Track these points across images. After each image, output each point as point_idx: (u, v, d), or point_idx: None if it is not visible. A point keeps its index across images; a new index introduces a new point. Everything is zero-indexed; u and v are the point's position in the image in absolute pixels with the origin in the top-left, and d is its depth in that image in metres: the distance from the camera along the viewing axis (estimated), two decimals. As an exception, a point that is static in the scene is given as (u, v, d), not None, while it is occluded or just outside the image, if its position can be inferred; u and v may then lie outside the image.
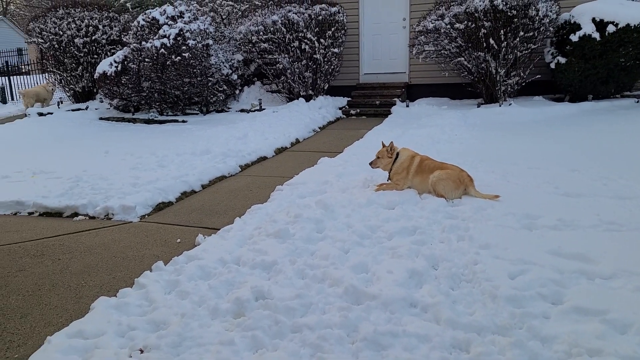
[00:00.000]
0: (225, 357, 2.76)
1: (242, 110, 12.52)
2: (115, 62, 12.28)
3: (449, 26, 10.86)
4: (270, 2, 13.26)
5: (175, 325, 3.03)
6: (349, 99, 12.90)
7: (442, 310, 3.08)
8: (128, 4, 20.39)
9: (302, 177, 6.46)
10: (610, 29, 10.02)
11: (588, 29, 10.23)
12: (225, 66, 12.30)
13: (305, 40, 12.01)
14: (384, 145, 5.85)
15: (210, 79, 12.01)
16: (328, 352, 2.74)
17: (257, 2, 14.10)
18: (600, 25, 10.15)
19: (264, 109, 12.05)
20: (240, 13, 14.85)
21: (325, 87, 12.94)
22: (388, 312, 3.15)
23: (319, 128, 10.72)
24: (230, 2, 15.57)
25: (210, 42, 11.99)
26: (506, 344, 2.69)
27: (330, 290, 3.44)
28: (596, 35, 10.11)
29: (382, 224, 4.62)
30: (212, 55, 12.03)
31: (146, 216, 5.46)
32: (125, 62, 12.16)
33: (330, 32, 12.24)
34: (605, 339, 2.68)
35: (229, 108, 12.86)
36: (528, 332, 2.81)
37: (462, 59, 11.14)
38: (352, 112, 12.29)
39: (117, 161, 7.88)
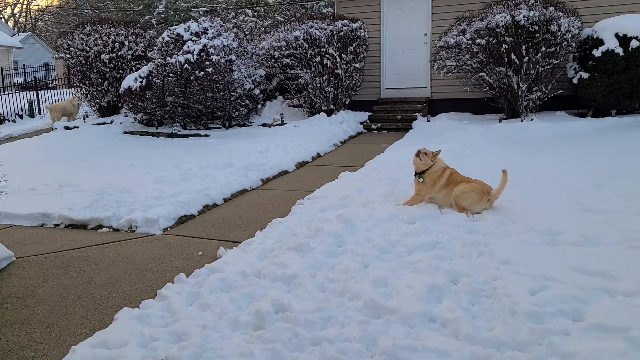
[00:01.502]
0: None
1: (264, 125, 12.67)
2: (140, 77, 12.58)
3: (470, 41, 10.86)
4: (293, 18, 13.47)
5: (196, 336, 3.09)
6: (370, 113, 12.96)
7: (462, 325, 3.08)
8: (153, 20, 20.90)
9: (322, 191, 6.50)
10: (634, 44, 9.92)
11: (611, 44, 10.13)
12: (247, 81, 12.50)
13: (327, 56, 12.14)
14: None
15: (233, 93, 12.21)
16: (347, 365, 2.76)
17: (279, 18, 14.33)
18: (624, 40, 10.05)
19: (285, 124, 12.18)
20: (263, 29, 15.11)
21: (347, 102, 13.03)
22: (407, 326, 3.15)
23: (340, 142, 10.78)
24: (253, 19, 15.86)
25: (233, 57, 12.20)
26: (525, 359, 2.68)
27: (350, 304, 3.46)
28: (619, 51, 10.01)
29: (403, 239, 4.62)
30: (235, 71, 12.23)
31: (169, 229, 5.56)
32: (150, 77, 12.44)
33: (351, 48, 12.35)
34: (627, 357, 2.64)
35: (251, 122, 13.03)
36: (548, 349, 2.79)
37: (484, 74, 11.11)
38: (373, 126, 12.34)
39: (141, 174, 8.04)
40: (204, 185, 6.96)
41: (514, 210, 5.31)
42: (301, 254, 4.32)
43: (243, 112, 12.67)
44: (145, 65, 13.33)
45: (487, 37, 10.65)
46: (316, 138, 10.32)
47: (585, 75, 10.55)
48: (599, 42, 10.31)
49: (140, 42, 14.80)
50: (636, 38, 9.91)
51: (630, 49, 9.91)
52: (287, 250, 4.43)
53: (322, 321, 3.23)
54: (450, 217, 5.16)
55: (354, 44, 12.39)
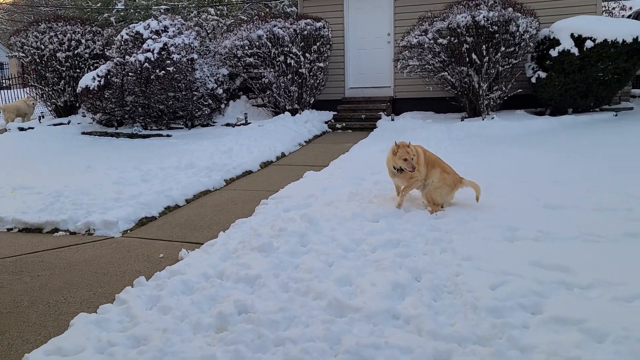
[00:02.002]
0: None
1: (227, 125, 12.53)
2: (98, 76, 12.24)
3: (432, 41, 11.02)
4: (256, 17, 13.36)
5: (156, 340, 3.00)
6: (335, 112, 12.99)
7: (424, 321, 3.09)
8: (112, 18, 20.39)
9: (287, 191, 6.46)
10: (588, 44, 10.25)
11: (567, 44, 10.45)
12: (210, 80, 12.33)
13: (291, 55, 12.10)
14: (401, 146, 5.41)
15: (195, 93, 12.02)
16: (310, 365, 2.73)
17: (242, 17, 14.20)
18: (579, 40, 10.38)
19: (249, 123, 12.07)
20: (225, 27, 14.94)
21: (311, 101, 13.02)
22: (371, 324, 3.15)
23: (305, 142, 10.76)
24: (216, 17, 15.67)
25: (195, 56, 12.02)
26: (486, 354, 2.71)
27: (313, 303, 3.44)
28: (575, 51, 10.33)
29: (367, 237, 4.63)
30: (197, 70, 12.05)
31: (129, 231, 5.42)
32: (109, 77, 12.13)
33: (315, 47, 12.35)
34: (583, 348, 2.71)
35: (214, 122, 12.86)
36: (508, 342, 2.83)
37: (446, 73, 11.29)
38: (338, 125, 12.36)
39: (100, 176, 7.82)
40: (166, 187, 6.81)
41: (476, 207, 5.40)
42: (265, 254, 4.27)
43: (206, 112, 12.49)
44: (104, 64, 12.98)
45: (448, 37, 10.82)
46: (281, 138, 10.27)
47: (543, 74, 10.85)
48: (556, 42, 10.62)
49: (98, 41, 14.41)
50: (590, 39, 10.24)
51: (585, 49, 10.24)
52: (250, 250, 4.37)
53: (285, 321, 3.20)
54: (414, 215, 5.20)
55: (318, 43, 12.40)
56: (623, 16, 20.66)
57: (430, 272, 3.83)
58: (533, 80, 11.14)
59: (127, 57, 11.94)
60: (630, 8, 20.94)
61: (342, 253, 4.28)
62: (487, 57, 10.67)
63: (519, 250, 4.19)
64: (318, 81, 12.76)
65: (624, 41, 10.09)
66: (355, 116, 12.53)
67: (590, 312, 3.07)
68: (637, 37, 10.08)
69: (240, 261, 4.16)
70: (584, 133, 9.53)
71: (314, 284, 3.65)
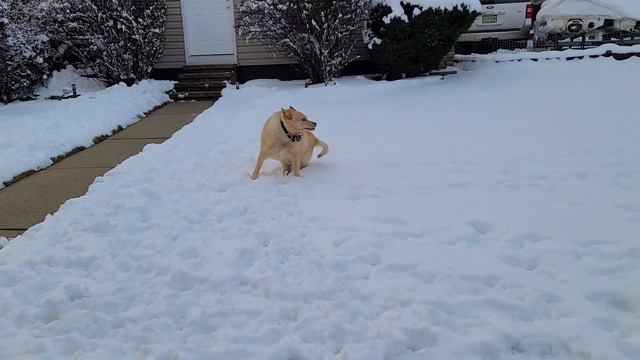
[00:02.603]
0: (34, 367, 2.46)
1: (52, 98, 11.24)
2: None
3: (272, 7, 10.94)
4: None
5: (-32, 343, 2.61)
6: (176, 82, 12.37)
7: (272, 284, 3.12)
8: None
9: (125, 166, 6.03)
10: (416, 12, 10.97)
11: (397, 11, 11.08)
12: (27, 48, 10.90)
13: (121, 20, 11.17)
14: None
15: (10, 62, 10.56)
16: (153, 342, 2.61)
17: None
18: (408, 8, 11.05)
19: (79, 95, 10.95)
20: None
21: (149, 70, 12.22)
22: (218, 293, 3.10)
23: (145, 114, 10.11)
24: (30, -24, 13.79)
25: (6, 20, 10.51)
26: (330, 306, 2.82)
27: (156, 279, 3.28)
28: (405, 18, 11.00)
29: (213, 207, 4.53)
30: (10, 36, 10.57)
31: None
32: None
33: (148, 11, 11.54)
34: (414, 290, 2.94)
35: (36, 95, 11.46)
36: (350, 293, 2.97)
37: (288, 40, 11.33)
38: (181, 95, 11.82)
39: None
40: (-22, 169, 5.92)
41: (320, 170, 5.56)
42: (100, 234, 3.95)
43: (25, 84, 11.06)
44: None
45: (288, 3, 10.83)
46: (116, 110, 9.50)
47: (378, 41, 11.42)
48: (388, 9, 11.20)
49: None
50: (418, 6, 10.96)
51: (413, 16, 10.95)
52: (83, 232, 4.00)
53: (125, 301, 3.00)
54: (261, 181, 5.20)
55: (151, 7, 11.61)
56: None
57: (277, 236, 3.86)
58: (370, 46, 11.68)
59: None
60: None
61: (186, 225, 4.13)
62: (327, 24, 10.91)
63: (360, 207, 4.41)
64: (155, 48, 11.99)
65: (445, 9, 10.98)
66: (198, 85, 12.07)
67: (421, 257, 3.35)
68: (456, 6, 11.04)
69: (72, 244, 3.80)
70: (415, 95, 10.32)
71: (157, 260, 3.47)
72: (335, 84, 11.30)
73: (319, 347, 2.54)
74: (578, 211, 4.04)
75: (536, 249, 3.45)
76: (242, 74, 12.87)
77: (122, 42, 11.32)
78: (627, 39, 13.22)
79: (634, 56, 11.78)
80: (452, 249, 3.53)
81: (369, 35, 11.78)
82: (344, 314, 2.74)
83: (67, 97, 10.92)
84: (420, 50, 11.59)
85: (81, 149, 7.34)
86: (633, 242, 3.35)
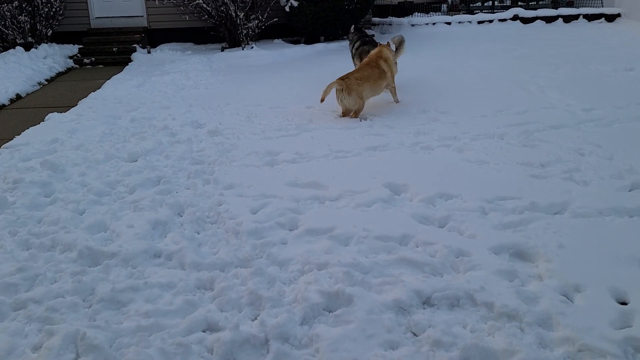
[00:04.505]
0: None
1: (-62, 64, 10.15)
2: None
3: (183, -34, 10.39)
4: None
5: None
6: (81, 46, 11.52)
7: (187, 254, 3.04)
8: None
9: (24, 138, 5.59)
10: (333, -27, 10.85)
11: (315, -27, 10.89)
12: None
13: (15, -23, 10.17)
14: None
15: None
16: (59, 322, 2.49)
17: None
18: (325, -30, 10.89)
19: (-30, 61, 9.96)
20: None
21: (49, 34, 11.28)
22: (129, 267, 2.99)
23: (46, 80, 9.36)
24: None
25: None
26: (247, 274, 2.80)
27: (61, 256, 3.10)
28: (322, -20, 10.85)
29: (123, 178, 4.33)
30: None
31: None
32: None
33: (46, -32, 10.59)
34: (331, 253, 2.98)
35: None
36: (267, 259, 2.96)
37: (201, 1, 10.85)
38: (87, 61, 11.05)
39: None
40: None
41: (236, 136, 5.43)
42: (-3, 211, 3.65)
43: None
44: None
45: (200, -38, 10.32)
46: (13, 77, 8.72)
47: (295, 3, 11.20)
48: (305, -29, 10.96)
49: None
50: (335, -32, 10.82)
51: (330, -22, 10.81)
52: (-24, 210, 3.69)
53: (26, 282, 2.82)
54: (175, 150, 5.02)
55: (49, -36, 10.65)
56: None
57: (192, 206, 3.76)
58: (287, 9, 11.43)
59: None
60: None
61: (94, 198, 3.93)
62: (240, -15, 10.54)
63: (278, 174, 4.38)
64: (54, 9, 11.04)
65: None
66: (106, 49, 11.33)
67: (338, 221, 3.39)
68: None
69: (-35, 224, 3.48)
70: (334, 59, 10.28)
71: (61, 236, 3.28)
72: (252, 47, 11.02)
73: (236, 315, 2.52)
74: (485, 170, 4.23)
75: (447, 207, 3.59)
76: (153, 37, 12.21)
77: (16, 2, 10.32)
78: (533, 3, 13.87)
79: (538, 20, 12.39)
80: (369, 210, 3.59)
81: (286, -2, 11.53)
82: (261, 281, 2.74)
83: (-45, 63, 9.87)
84: (338, 14, 11.51)
85: (-26, 120, 6.71)
86: (533, 197, 3.57)
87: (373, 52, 6.48)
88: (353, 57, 7.75)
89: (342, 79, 5.93)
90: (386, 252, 3.02)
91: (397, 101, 6.53)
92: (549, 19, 12.42)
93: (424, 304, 2.59)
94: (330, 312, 2.55)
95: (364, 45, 7.45)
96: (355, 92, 5.85)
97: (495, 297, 2.53)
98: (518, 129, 5.16)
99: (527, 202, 3.51)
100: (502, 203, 3.58)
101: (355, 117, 5.95)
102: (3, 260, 3.04)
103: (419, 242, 3.11)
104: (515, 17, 12.58)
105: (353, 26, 8.11)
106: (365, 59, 6.47)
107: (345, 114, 6.07)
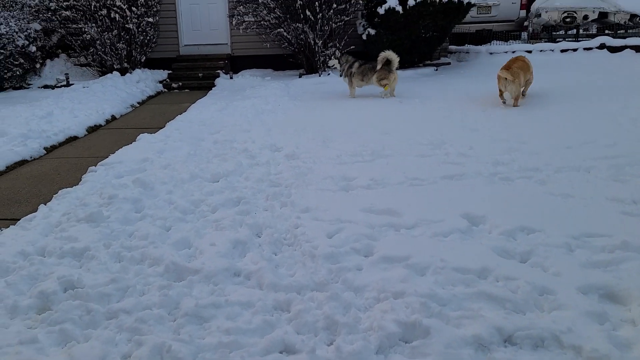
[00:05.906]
0: (26, 357, 2.47)
1: (45, 87, 11.15)
2: None
3: (266, -3, 10.87)
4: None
5: (-40, 334, 2.61)
6: (170, 71, 12.28)
7: (265, 275, 3.12)
8: None
9: (118, 156, 5.99)
10: (411, 2, 10.91)
11: (392, 2, 11.00)
12: (20, 37, 10.78)
13: (115, 9, 11.06)
14: None
15: (2, 51, 10.45)
16: (147, 333, 2.61)
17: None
18: (402, -1, 11.00)
19: (72, 84, 10.87)
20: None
21: (143, 60, 12.13)
22: (211, 284, 3.10)
23: (138, 103, 10.04)
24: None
25: (-2, 8, 10.39)
26: (323, 298, 2.82)
27: (149, 270, 3.27)
28: (399, 9, 10.94)
29: (206, 198, 4.52)
30: (2, 24, 10.44)
31: None
32: None
33: (142, 0, 11.43)
34: (407, 282, 2.96)
35: (29, 84, 11.36)
36: (343, 285, 2.98)
37: (282, 29, 11.27)
38: (174, 85, 11.74)
39: None
40: (-31, 159, 5.87)
41: (312, 160, 5.54)
42: (94, 224, 3.93)
43: (18, 73, 10.95)
44: None
45: (282, -7, 10.76)
46: (110, 99, 9.43)
47: (372, 31, 11.36)
48: (382, 0, 11.14)
49: None
50: (412, -3, 10.90)
51: (408, 7, 10.90)
52: (76, 222, 3.99)
53: (118, 292, 3.00)
54: (254, 172, 5.19)
55: (145, -4, 11.51)
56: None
57: (270, 227, 3.86)
58: (364, 37, 11.62)
59: None
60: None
61: (180, 216, 4.12)
62: (321, 14, 10.85)
63: (353, 199, 4.41)
64: (149, 38, 11.89)
65: (440, 0, 10.94)
66: (192, 75, 11.99)
67: (414, 249, 3.36)
68: (450, -3, 11.01)
69: (65, 234, 3.78)
70: (408, 87, 10.29)
71: (150, 250, 3.46)
72: (329, 74, 11.26)
73: (312, 339, 2.54)
74: (571, 204, 4.05)
75: (529, 241, 3.46)
76: (235, 63, 12.79)
77: (115, 31, 11.22)
78: (621, 31, 13.24)
79: (628, 49, 11.80)
80: (445, 241, 3.54)
81: (364, 26, 11.72)
82: (336, 306, 2.75)
83: (61, 86, 10.84)
84: (414, 41, 11.53)
85: (74, 138, 7.29)
86: (625, 235, 3.37)
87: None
88: (352, 76, 9.28)
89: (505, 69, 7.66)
90: (464, 285, 2.95)
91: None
92: (639, 48, 11.78)
93: (505, 341, 2.50)
94: (406, 342, 2.52)
95: (365, 64, 9.25)
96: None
97: (584, 341, 2.40)
98: (607, 162, 4.91)
99: (618, 241, 3.32)
100: (590, 240, 3.41)
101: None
102: (98, 270, 3.26)
103: (499, 276, 3.02)
104: (602, 46, 12.04)
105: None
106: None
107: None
